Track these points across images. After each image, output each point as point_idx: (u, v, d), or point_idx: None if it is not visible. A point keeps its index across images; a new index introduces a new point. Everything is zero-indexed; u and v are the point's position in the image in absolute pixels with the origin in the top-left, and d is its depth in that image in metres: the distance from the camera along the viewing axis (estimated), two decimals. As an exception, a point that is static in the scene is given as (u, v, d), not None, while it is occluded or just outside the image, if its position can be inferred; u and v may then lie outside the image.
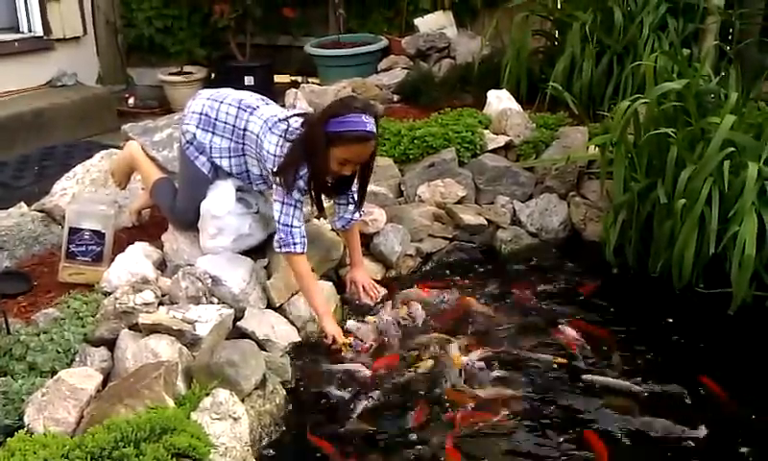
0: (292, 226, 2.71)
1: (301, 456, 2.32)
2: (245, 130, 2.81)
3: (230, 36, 6.03)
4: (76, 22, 5.85)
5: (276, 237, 2.76)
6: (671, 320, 2.92)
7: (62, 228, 2.97)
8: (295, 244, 2.72)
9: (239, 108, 2.84)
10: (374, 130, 2.62)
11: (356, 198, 2.92)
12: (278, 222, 2.72)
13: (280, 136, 2.69)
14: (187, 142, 2.89)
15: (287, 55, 6.27)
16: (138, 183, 3.37)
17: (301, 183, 2.68)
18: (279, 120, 2.74)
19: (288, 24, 6.19)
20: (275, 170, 2.67)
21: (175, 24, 6.21)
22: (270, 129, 2.73)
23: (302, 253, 2.75)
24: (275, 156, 2.68)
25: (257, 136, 2.76)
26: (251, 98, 2.90)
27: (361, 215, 3.04)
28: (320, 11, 6.11)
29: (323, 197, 2.87)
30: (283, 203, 2.70)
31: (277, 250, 2.77)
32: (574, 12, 4.35)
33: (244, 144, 2.83)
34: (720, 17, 4.15)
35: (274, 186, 2.73)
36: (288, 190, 2.66)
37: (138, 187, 3.38)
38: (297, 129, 2.69)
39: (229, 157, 2.87)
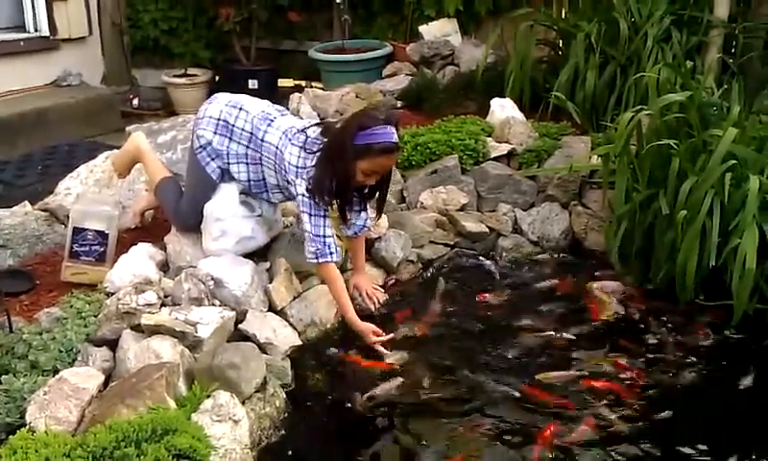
0: (325, 236, 2.72)
1: (301, 459, 2.32)
2: (263, 140, 2.81)
3: (235, 39, 6.04)
4: (82, 22, 5.87)
5: (311, 249, 2.74)
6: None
7: (66, 227, 2.98)
8: (331, 253, 2.74)
9: (257, 116, 2.84)
10: (397, 139, 2.66)
11: (376, 206, 2.94)
12: (311, 233, 2.72)
13: (301, 147, 2.71)
14: (200, 147, 2.89)
15: (291, 59, 6.29)
16: (142, 185, 3.39)
17: (331, 193, 2.70)
18: (298, 131, 2.77)
19: (293, 28, 6.21)
20: (310, 187, 2.66)
21: (180, 26, 6.23)
22: (290, 140, 2.74)
23: (338, 261, 2.78)
24: (297, 167, 2.69)
25: (277, 148, 2.77)
26: (269, 108, 2.92)
27: (371, 222, 3.05)
28: (325, 16, 6.13)
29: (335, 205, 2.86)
30: (311, 214, 2.71)
31: (312, 261, 2.77)
32: (579, 22, 4.36)
33: (261, 154, 2.83)
34: (724, 30, 4.16)
35: (298, 198, 2.72)
36: (324, 203, 2.68)
37: (142, 189, 3.39)
38: (316, 139, 2.71)
39: (246, 163, 2.87)
